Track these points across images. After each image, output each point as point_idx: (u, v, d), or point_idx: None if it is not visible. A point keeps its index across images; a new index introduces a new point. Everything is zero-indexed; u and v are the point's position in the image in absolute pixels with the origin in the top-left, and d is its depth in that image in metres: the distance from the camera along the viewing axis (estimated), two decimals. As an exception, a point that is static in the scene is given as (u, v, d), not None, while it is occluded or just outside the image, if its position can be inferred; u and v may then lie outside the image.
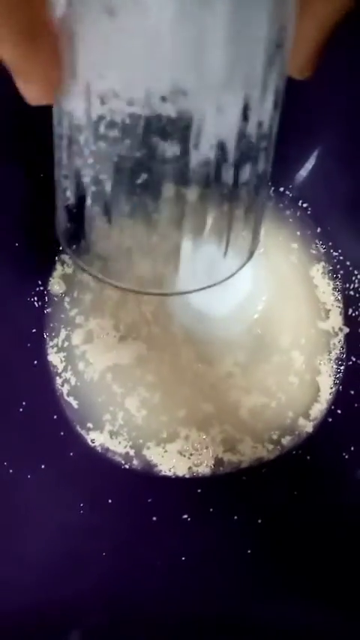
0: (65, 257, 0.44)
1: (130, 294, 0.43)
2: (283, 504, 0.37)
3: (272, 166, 0.42)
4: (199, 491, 0.40)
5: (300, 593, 0.33)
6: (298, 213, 0.43)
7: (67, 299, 0.43)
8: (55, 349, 0.42)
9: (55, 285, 0.44)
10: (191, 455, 0.42)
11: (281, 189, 0.43)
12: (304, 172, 0.41)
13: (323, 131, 0.38)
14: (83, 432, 0.41)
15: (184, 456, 0.42)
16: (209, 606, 0.33)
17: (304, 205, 0.43)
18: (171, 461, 0.42)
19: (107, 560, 0.37)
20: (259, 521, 0.36)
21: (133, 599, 0.35)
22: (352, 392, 0.40)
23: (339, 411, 0.40)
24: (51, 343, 0.42)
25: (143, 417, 0.42)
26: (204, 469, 0.41)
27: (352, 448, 0.38)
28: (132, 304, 0.43)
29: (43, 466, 0.37)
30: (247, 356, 0.42)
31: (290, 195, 0.43)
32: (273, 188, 0.43)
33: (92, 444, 0.42)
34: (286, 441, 0.41)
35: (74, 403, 0.42)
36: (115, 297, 0.43)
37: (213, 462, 0.42)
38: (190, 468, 0.42)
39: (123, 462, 0.42)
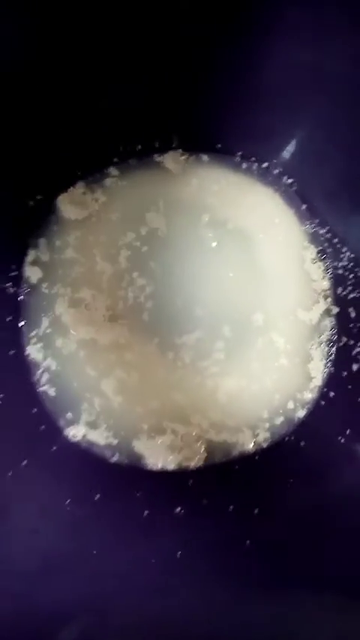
0: (40, 241, 0.42)
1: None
2: (279, 493, 0.37)
3: (255, 140, 0.42)
4: (190, 482, 0.39)
5: (302, 585, 0.32)
6: (283, 189, 0.42)
7: (44, 284, 0.41)
8: (35, 339, 0.40)
9: (30, 273, 0.42)
10: (181, 450, 0.41)
11: (265, 164, 0.42)
12: (290, 147, 0.41)
13: (312, 101, 0.37)
14: (63, 425, 0.40)
15: (175, 451, 0.41)
16: (208, 603, 0.32)
17: (290, 181, 0.42)
18: (159, 455, 0.41)
19: (98, 559, 0.35)
20: (256, 511, 0.36)
21: (127, 598, 0.34)
22: (345, 373, 0.40)
23: (332, 394, 0.40)
24: (31, 334, 0.40)
25: (121, 404, 0.41)
26: (195, 462, 0.40)
27: (348, 431, 0.38)
28: (127, 282, 0.42)
29: (24, 462, 0.36)
30: (231, 341, 0.41)
31: (275, 171, 0.42)
32: (256, 164, 0.42)
33: (75, 438, 0.40)
34: (278, 427, 0.41)
35: (52, 391, 0.40)
36: (109, 272, 0.42)
37: (204, 454, 0.40)
38: (180, 462, 0.40)
39: (109, 455, 0.40)
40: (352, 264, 0.40)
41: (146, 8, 0.36)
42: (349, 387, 0.39)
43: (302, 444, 0.39)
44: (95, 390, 0.41)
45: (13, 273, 0.40)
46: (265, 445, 0.40)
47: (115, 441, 0.41)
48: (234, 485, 0.38)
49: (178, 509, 0.37)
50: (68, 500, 0.37)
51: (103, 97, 0.40)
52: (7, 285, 0.40)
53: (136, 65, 0.39)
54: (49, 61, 0.36)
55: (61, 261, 0.42)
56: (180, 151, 0.43)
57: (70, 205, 0.43)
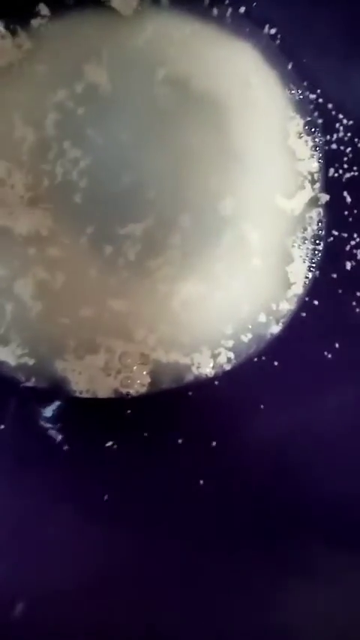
0: None
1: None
2: (245, 421, 0.29)
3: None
4: (128, 412, 0.30)
5: (269, 532, 0.24)
6: (264, 43, 0.34)
7: None
8: None
9: None
10: (118, 372, 0.32)
11: (241, 9, 0.33)
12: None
13: None
14: None
15: (110, 374, 0.32)
16: (145, 559, 0.24)
17: (273, 32, 0.33)
18: (90, 379, 0.32)
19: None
20: (214, 443, 0.27)
21: (44, 564, 0.25)
22: (335, 275, 0.32)
23: (316, 302, 0.32)
24: None
25: (40, 313, 0.32)
26: (136, 388, 0.32)
27: (337, 345, 0.30)
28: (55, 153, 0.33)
29: None
30: (190, 233, 0.33)
31: (253, 17, 0.33)
32: (231, 9, 0.34)
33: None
34: (245, 345, 0.32)
35: None
36: (31, 139, 0.33)
37: (148, 378, 0.32)
38: (116, 389, 0.32)
39: (22, 378, 0.32)
40: (349, 134, 0.32)
41: None
42: (340, 291, 0.31)
43: (276, 363, 0.31)
44: (6, 293, 0.32)
45: None
46: (227, 367, 0.32)
47: (30, 361, 0.32)
48: (185, 414, 0.30)
49: (110, 443, 0.28)
50: None
51: None
52: None
53: None
54: None
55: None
56: (133, -14, 0.34)
57: (-19, 51, 0.33)
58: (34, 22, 0.34)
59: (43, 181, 0.33)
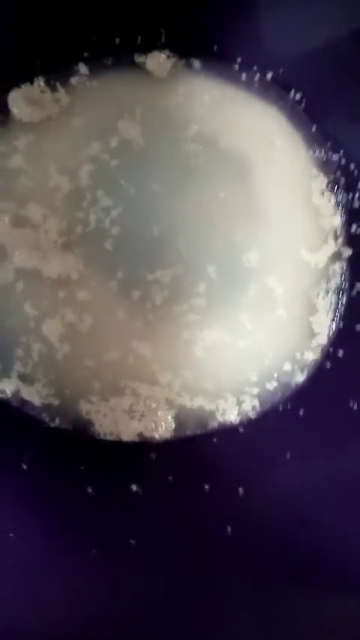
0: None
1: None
2: (270, 470, 0.29)
3: (260, 44, 0.36)
4: (152, 456, 0.31)
5: (297, 582, 0.24)
6: (289, 107, 0.36)
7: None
8: None
9: None
10: (143, 416, 0.33)
11: (268, 75, 0.36)
12: (303, 53, 0.35)
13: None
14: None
15: (134, 418, 0.33)
16: (171, 609, 0.24)
17: (298, 97, 0.36)
18: (114, 422, 0.33)
19: (18, 547, 0.27)
20: (240, 490, 0.28)
21: (65, 605, 0.25)
22: (359, 327, 0.33)
23: (340, 353, 0.33)
24: None
25: (67, 354, 0.33)
26: (160, 433, 0.32)
27: (362, 395, 0.31)
28: (89, 202, 0.35)
29: None
30: (216, 283, 0.35)
31: (280, 82, 0.36)
32: (259, 75, 0.36)
33: (2, 395, 0.32)
34: (270, 393, 0.33)
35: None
36: (65, 189, 0.35)
37: (173, 424, 0.33)
38: (140, 433, 0.33)
39: (47, 418, 0.32)
40: (372, 194, 0.34)
41: None
42: (364, 342, 0.32)
43: (302, 412, 0.32)
44: (35, 334, 0.33)
45: None
46: (252, 415, 0.33)
47: (55, 402, 0.33)
48: (210, 461, 0.30)
49: (134, 486, 0.29)
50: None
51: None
52: None
53: None
54: None
55: (4, 171, 0.35)
56: (167, 52, 0.37)
57: (23, 104, 0.35)
58: (73, 80, 0.36)
59: (77, 228, 0.34)
